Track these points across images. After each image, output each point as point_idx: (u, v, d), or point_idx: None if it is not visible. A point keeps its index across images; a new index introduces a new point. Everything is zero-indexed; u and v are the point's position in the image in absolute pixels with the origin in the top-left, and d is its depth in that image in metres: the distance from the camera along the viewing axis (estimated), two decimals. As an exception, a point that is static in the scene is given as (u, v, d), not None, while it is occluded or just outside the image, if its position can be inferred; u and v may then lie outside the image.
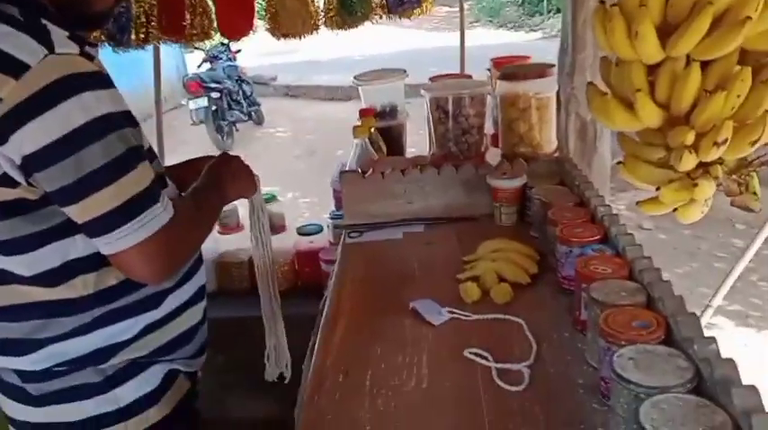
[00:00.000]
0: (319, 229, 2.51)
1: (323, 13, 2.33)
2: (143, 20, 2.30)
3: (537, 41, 9.94)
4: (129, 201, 0.95)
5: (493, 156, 1.81)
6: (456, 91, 1.67)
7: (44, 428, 1.11)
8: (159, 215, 0.98)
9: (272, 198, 2.56)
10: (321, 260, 2.23)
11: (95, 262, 1.02)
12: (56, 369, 1.06)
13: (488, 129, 1.92)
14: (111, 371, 1.09)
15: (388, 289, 1.34)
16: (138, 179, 0.97)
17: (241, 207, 1.97)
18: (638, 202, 1.34)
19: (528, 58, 1.98)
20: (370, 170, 1.66)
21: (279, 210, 2.59)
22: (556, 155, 1.71)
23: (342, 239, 1.61)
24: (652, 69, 1.20)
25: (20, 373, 1.07)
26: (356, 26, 2.36)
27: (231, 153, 1.37)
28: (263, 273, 1.43)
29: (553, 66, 1.70)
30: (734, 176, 1.26)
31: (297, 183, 5.70)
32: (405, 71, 2.11)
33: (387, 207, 1.64)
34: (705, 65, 1.14)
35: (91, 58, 0.98)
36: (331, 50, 9.31)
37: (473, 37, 10.86)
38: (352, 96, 7.00)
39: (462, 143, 1.70)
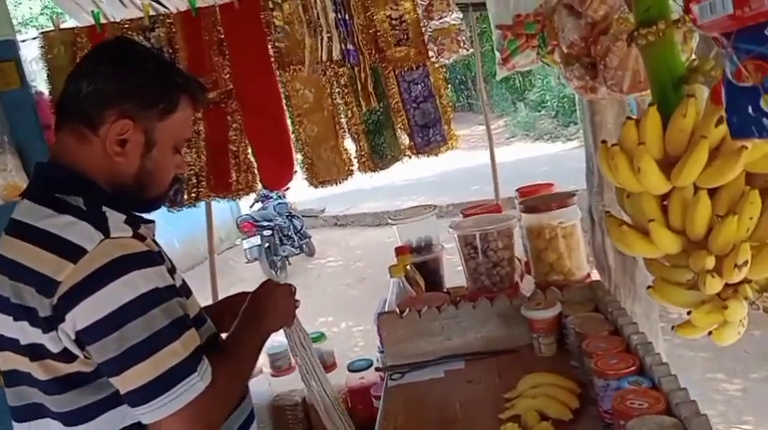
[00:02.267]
0: (369, 364, 2.51)
1: (356, 159, 2.48)
2: (194, 181, 2.51)
3: (573, 150, 10.11)
4: (166, 372, 1.02)
5: (528, 283, 1.84)
6: (483, 227, 1.74)
7: None
8: (195, 385, 1.04)
9: (320, 337, 2.61)
10: (372, 397, 2.23)
11: (145, 428, 1.07)
12: None
13: (521, 255, 1.96)
14: None
15: (431, 434, 1.33)
16: (176, 351, 1.03)
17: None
18: (673, 327, 1.33)
19: (551, 185, 2.06)
20: (407, 310, 1.70)
21: (328, 348, 2.63)
22: (588, 280, 1.73)
23: (384, 382, 1.63)
24: (666, 195, 1.25)
25: None
26: (387, 168, 2.51)
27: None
28: (325, 406, 1.41)
29: (574, 194, 1.76)
30: (766, 294, 1.25)
31: (349, 311, 5.76)
32: (435, 206, 2.21)
33: (426, 345, 1.67)
34: (714, 190, 1.18)
35: (143, 238, 1.09)
36: (375, 178, 9.68)
37: (511, 152, 11.20)
38: (397, 222, 7.16)
39: (494, 276, 1.74)
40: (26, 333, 1.05)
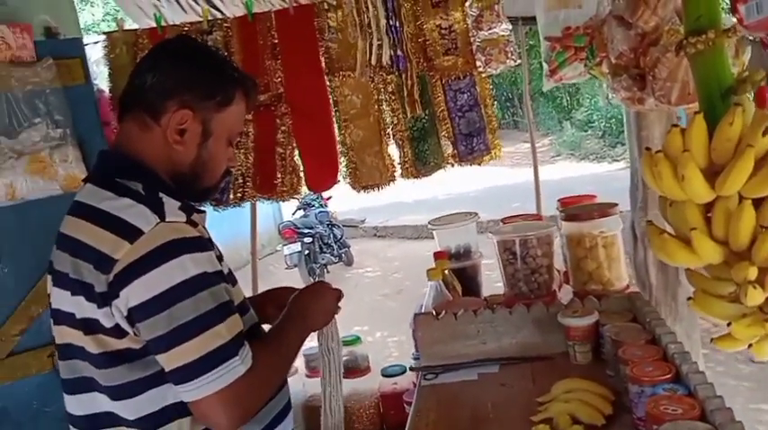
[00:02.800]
0: (403, 370, 2.53)
1: (399, 165, 2.52)
2: (240, 181, 2.58)
3: (619, 171, 9.95)
4: (209, 353, 1.06)
5: (566, 293, 1.84)
6: (522, 233, 1.75)
7: None
8: (236, 367, 1.08)
9: (356, 340, 2.63)
10: (405, 402, 2.24)
11: (187, 406, 1.11)
12: None
13: (560, 266, 1.96)
14: None
15: (462, 432, 1.35)
16: (221, 332, 1.08)
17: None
18: (712, 339, 1.32)
19: (594, 197, 2.05)
20: (444, 312, 1.72)
21: (363, 352, 2.66)
22: (627, 291, 1.71)
23: (418, 382, 1.65)
24: (709, 206, 1.24)
25: None
26: (430, 175, 2.53)
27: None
28: (326, 413, 1.42)
29: (616, 205, 1.75)
30: (810, 309, 1.23)
31: (385, 321, 5.77)
32: (476, 214, 2.22)
33: (461, 348, 1.68)
34: (759, 200, 1.17)
35: (195, 224, 1.15)
36: (417, 191, 9.71)
37: (555, 170, 11.08)
38: (436, 235, 7.16)
39: (532, 283, 1.75)
40: (82, 307, 1.10)
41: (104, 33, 2.65)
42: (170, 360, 1.07)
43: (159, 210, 1.10)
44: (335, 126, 2.51)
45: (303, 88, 2.47)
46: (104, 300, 1.08)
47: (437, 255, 2.05)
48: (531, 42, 5.42)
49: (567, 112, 14.23)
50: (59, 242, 1.18)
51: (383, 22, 2.18)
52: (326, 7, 2.34)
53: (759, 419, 3.65)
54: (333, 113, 2.50)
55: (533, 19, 2.56)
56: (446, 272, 1.99)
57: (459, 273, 2.11)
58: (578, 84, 13.03)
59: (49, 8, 2.44)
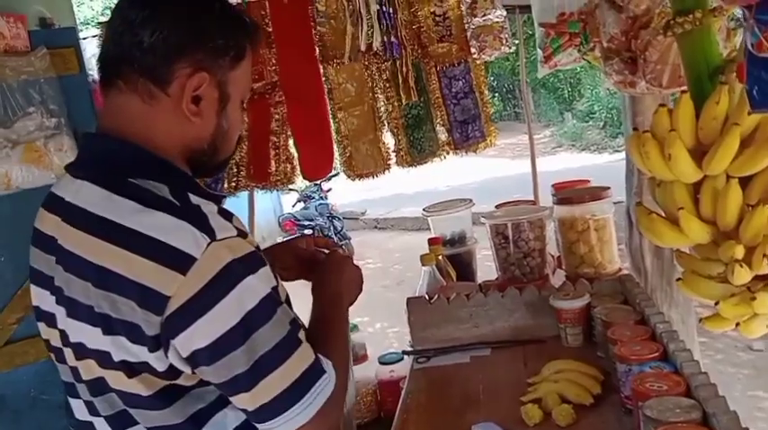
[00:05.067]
0: (400, 358, 2.52)
1: (393, 153, 2.52)
2: (234, 170, 2.58)
3: (620, 162, 9.93)
4: (297, 380, 0.91)
5: (560, 277, 1.84)
6: (514, 217, 1.75)
7: None
8: (326, 386, 0.94)
9: (353, 328, 2.64)
10: (402, 389, 2.25)
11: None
12: None
13: (554, 251, 1.96)
14: None
15: (453, 413, 1.36)
16: (305, 353, 0.94)
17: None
18: (700, 319, 1.32)
19: (587, 181, 2.05)
20: (436, 296, 1.73)
21: (360, 340, 2.67)
22: (619, 274, 1.72)
23: (410, 365, 1.66)
24: (698, 186, 1.24)
25: None
26: (425, 163, 2.53)
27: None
28: None
29: (608, 188, 1.75)
30: (798, 287, 1.23)
31: (385, 312, 5.78)
32: (471, 200, 2.22)
33: (453, 331, 1.69)
34: (747, 179, 1.18)
35: (245, 234, 0.94)
36: (418, 183, 9.70)
37: (556, 161, 11.06)
38: (437, 226, 7.19)
39: (525, 266, 1.75)
40: (124, 348, 0.90)
41: (100, 23, 2.65)
42: (255, 399, 0.90)
43: (206, 226, 0.89)
44: (330, 114, 2.51)
45: (297, 76, 2.46)
46: (157, 343, 0.88)
47: (431, 241, 2.06)
48: (529, 32, 5.40)
49: (569, 103, 14.20)
50: (65, 259, 0.95)
51: (375, 7, 2.18)
52: (316, -6, 2.34)
53: (758, 406, 3.67)
54: (327, 101, 2.50)
55: (529, 7, 2.55)
56: (440, 257, 1.99)
57: (453, 259, 2.11)
58: (579, 74, 13.00)
59: (44, -1, 2.44)
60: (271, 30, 2.47)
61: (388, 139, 2.55)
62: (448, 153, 2.53)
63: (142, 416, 0.94)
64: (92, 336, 0.93)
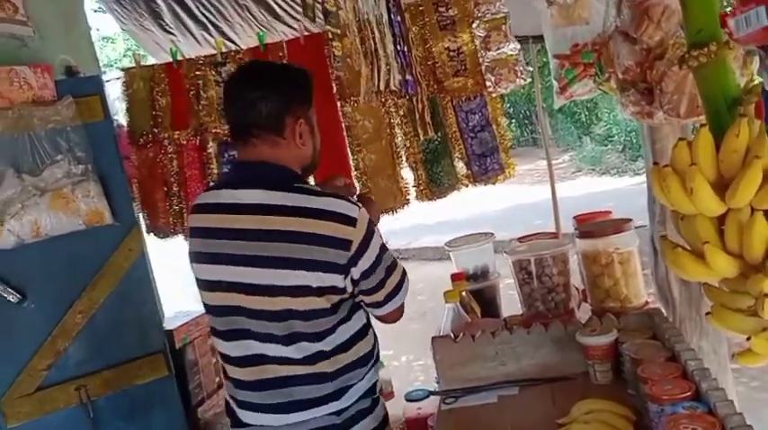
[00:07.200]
0: (426, 395, 2.49)
1: (413, 188, 2.53)
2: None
3: (641, 185, 9.83)
4: (400, 280, 1.57)
5: (585, 311, 1.81)
6: (537, 252, 1.74)
7: None
8: (407, 284, 1.60)
9: (381, 365, 2.62)
10: (429, 427, 2.22)
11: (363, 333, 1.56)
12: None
13: (579, 284, 1.94)
14: None
15: (482, 456, 1.33)
16: (400, 267, 1.58)
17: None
18: (733, 354, 1.29)
19: (609, 212, 2.03)
20: (462, 334, 1.71)
21: (386, 376, 2.64)
22: (646, 307, 1.69)
23: (438, 406, 1.64)
24: (722, 218, 1.22)
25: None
26: (444, 196, 2.53)
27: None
28: None
29: (630, 220, 1.74)
30: (830, 321, 1.20)
31: (410, 345, 5.71)
32: (492, 234, 2.21)
33: (480, 370, 1.66)
34: (772, 212, 1.15)
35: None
36: (437, 212, 9.70)
37: (576, 186, 10.98)
38: (458, 255, 7.14)
39: (549, 302, 1.73)
40: (321, 279, 1.43)
41: (122, 69, 2.72)
42: (384, 292, 1.54)
43: (349, 200, 1.49)
44: (349, 151, 2.54)
45: (316, 114, 2.49)
46: (345, 270, 1.45)
47: (454, 277, 2.05)
48: (544, 60, 5.43)
49: (587, 128, 14.14)
50: (248, 235, 1.46)
51: (390, 47, 2.21)
52: (331, 37, 2.38)
53: (796, 434, 3.54)
54: (346, 139, 2.52)
55: (543, 37, 2.57)
56: (463, 293, 1.98)
57: (477, 294, 2.10)
58: (596, 98, 12.97)
59: (69, 47, 2.51)
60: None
61: (407, 174, 2.56)
62: (467, 186, 2.54)
63: (303, 327, 1.46)
64: (288, 277, 1.43)
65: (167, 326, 2.96)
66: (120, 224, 2.23)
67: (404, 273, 1.59)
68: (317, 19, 2.18)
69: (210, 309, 1.56)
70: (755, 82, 1.37)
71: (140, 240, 2.40)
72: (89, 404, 2.12)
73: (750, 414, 1.14)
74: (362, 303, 1.55)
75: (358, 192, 1.97)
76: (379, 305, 1.55)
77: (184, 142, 2.63)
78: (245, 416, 1.54)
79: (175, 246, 2.93)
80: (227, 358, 1.55)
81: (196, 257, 1.55)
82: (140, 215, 2.69)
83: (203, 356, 3.22)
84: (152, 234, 2.75)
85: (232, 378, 1.56)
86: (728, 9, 1.07)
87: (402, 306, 1.60)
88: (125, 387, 2.23)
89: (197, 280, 1.56)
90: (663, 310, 2.05)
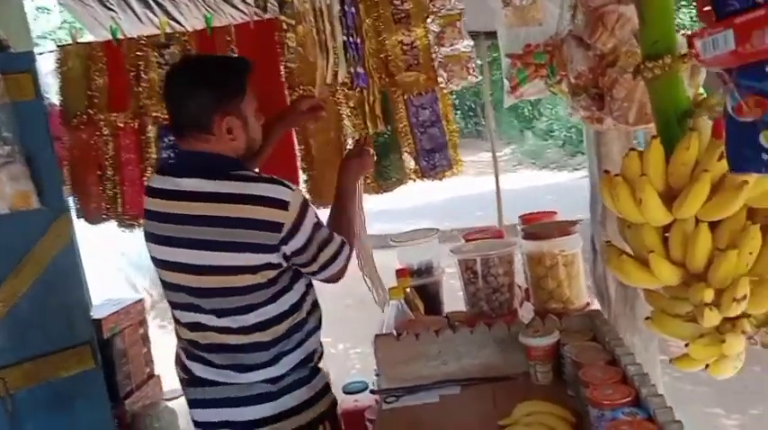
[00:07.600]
0: (364, 387, 2.48)
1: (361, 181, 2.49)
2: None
3: (579, 180, 10.12)
4: (336, 251, 1.66)
5: (527, 310, 1.84)
6: (484, 252, 1.74)
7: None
8: (344, 251, 1.70)
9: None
10: (367, 420, 2.21)
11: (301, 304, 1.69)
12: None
13: (522, 283, 1.96)
14: None
15: (424, 458, 1.32)
16: (336, 239, 1.67)
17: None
18: (671, 360, 1.33)
19: (554, 213, 2.06)
20: (405, 332, 1.70)
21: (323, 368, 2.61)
22: (587, 309, 1.72)
23: (379, 405, 1.62)
24: (667, 227, 1.25)
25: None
26: (392, 190, 2.51)
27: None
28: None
29: (576, 223, 1.76)
30: (765, 329, 1.25)
31: (348, 333, 5.71)
32: (437, 230, 2.22)
33: (422, 369, 1.66)
34: (716, 223, 1.19)
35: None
36: (381, 201, 9.70)
37: (517, 179, 11.20)
38: (401, 245, 7.17)
39: (494, 301, 1.74)
40: (252, 259, 1.54)
41: (58, 46, 2.56)
42: (318, 264, 1.64)
43: (283, 183, 1.57)
44: (296, 141, 2.48)
45: (262, 103, 2.42)
46: (275, 249, 1.55)
47: (399, 273, 2.04)
48: (494, 55, 5.47)
49: (529, 122, 14.43)
50: (192, 221, 1.57)
51: (341, 38, 2.16)
52: (285, 27, 2.31)
53: (715, 424, 3.73)
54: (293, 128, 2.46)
55: (495, 33, 2.58)
56: (407, 290, 1.97)
57: (420, 289, 2.09)
58: (540, 94, 13.22)
59: None
60: (236, 55, 2.43)
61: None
62: (414, 180, 2.52)
63: (246, 300, 1.59)
64: (221, 258, 1.55)
65: (95, 315, 2.84)
66: (47, 208, 2.12)
67: (341, 244, 1.68)
68: (268, 8, 2.11)
69: (164, 284, 1.70)
70: (703, 95, 1.40)
71: (69, 226, 2.29)
72: (8, 397, 2.02)
73: (675, 404, 1.17)
74: (300, 269, 1.66)
75: (354, 144, 2.16)
76: (314, 274, 1.67)
77: (122, 125, 2.50)
78: (195, 368, 1.67)
79: (106, 231, 2.80)
80: (178, 322, 1.70)
81: (150, 237, 1.67)
82: (71, 199, 2.55)
83: (133, 346, 3.11)
84: (83, 219, 2.61)
85: (183, 338, 1.70)
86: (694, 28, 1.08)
87: (342, 270, 1.70)
88: (49, 379, 2.14)
89: (151, 257, 1.69)
90: (599, 306, 2.10)
